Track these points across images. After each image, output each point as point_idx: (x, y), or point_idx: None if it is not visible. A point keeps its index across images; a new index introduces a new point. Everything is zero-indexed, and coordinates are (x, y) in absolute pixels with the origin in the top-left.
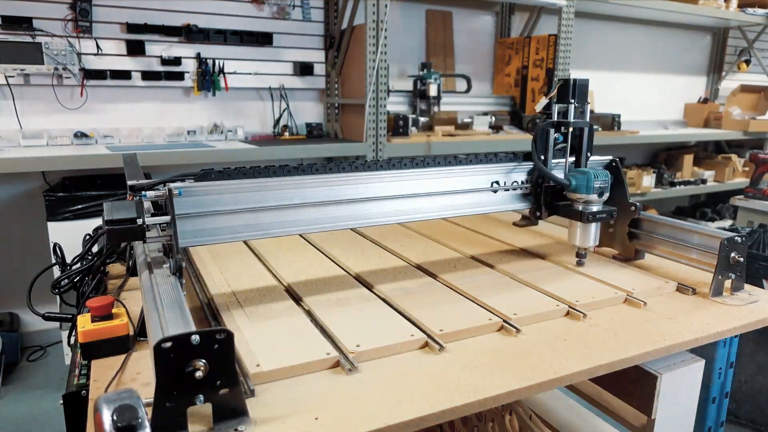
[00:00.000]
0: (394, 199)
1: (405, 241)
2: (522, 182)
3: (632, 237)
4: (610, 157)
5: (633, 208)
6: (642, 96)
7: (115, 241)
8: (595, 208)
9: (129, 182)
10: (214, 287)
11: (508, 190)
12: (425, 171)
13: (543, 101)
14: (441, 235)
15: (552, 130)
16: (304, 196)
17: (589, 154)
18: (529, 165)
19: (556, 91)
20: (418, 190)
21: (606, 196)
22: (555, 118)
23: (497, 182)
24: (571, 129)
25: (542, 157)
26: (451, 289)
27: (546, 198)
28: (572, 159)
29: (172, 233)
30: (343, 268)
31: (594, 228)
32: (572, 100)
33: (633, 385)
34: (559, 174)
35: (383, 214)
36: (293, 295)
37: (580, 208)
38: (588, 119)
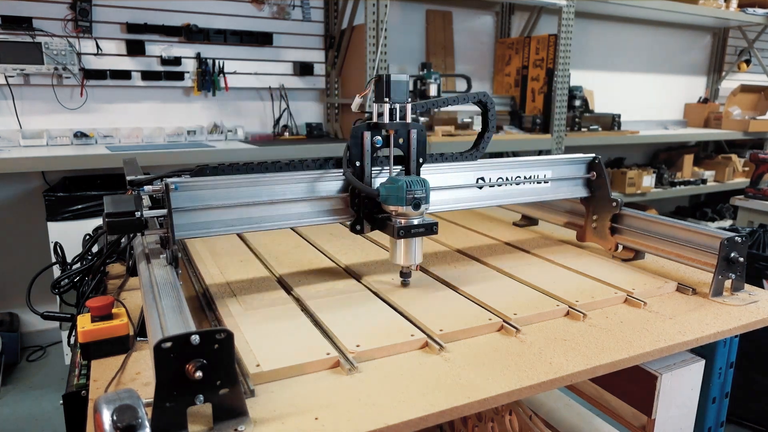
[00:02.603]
0: None
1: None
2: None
3: (614, 232)
4: (593, 155)
5: (614, 203)
6: (642, 96)
7: (115, 233)
8: (415, 221)
9: (128, 177)
10: (209, 278)
11: (492, 186)
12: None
13: (357, 100)
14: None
15: (368, 133)
16: (295, 191)
17: (421, 160)
18: (339, 173)
19: (369, 88)
20: None
21: (425, 207)
22: (375, 118)
23: (482, 178)
24: (393, 132)
25: (358, 164)
26: (449, 287)
27: (365, 210)
28: (399, 167)
29: (169, 226)
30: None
31: (416, 244)
32: (386, 99)
33: (633, 385)
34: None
35: None
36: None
37: (394, 222)
38: (409, 119)
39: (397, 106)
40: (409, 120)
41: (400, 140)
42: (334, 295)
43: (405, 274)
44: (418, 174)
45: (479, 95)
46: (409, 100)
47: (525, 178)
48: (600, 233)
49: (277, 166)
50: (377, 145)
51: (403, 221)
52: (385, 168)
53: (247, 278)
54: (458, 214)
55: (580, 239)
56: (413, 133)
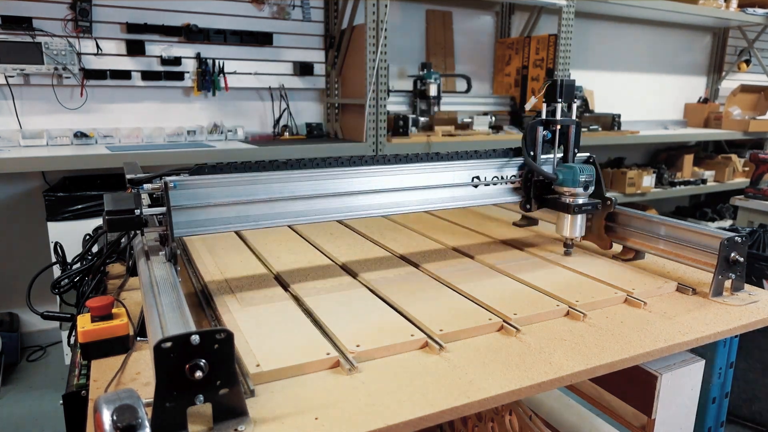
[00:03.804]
0: (378, 193)
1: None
2: (513, 176)
3: (608, 230)
4: (588, 154)
5: (609, 202)
6: (642, 96)
7: (115, 230)
8: (581, 201)
9: (128, 176)
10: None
11: (488, 185)
12: (407, 166)
13: (532, 100)
14: (431, 230)
15: (540, 128)
16: (293, 189)
17: (576, 150)
18: (519, 160)
19: (544, 90)
20: (400, 184)
21: (591, 189)
22: (543, 116)
23: (477, 177)
24: (558, 126)
25: (531, 153)
26: (448, 287)
27: (535, 192)
28: (561, 155)
29: (168, 223)
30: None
31: (580, 219)
32: (559, 100)
33: (633, 385)
34: (548, 169)
35: (367, 207)
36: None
37: (567, 200)
38: (574, 117)
39: (564, 105)
40: (573, 116)
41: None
42: (332, 292)
43: (568, 246)
44: (573, 161)
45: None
46: (576, 101)
47: (520, 176)
48: (595, 231)
49: (274, 165)
50: (546, 138)
51: (574, 200)
52: (549, 156)
53: (246, 275)
54: (457, 213)
55: None
56: (572, 128)
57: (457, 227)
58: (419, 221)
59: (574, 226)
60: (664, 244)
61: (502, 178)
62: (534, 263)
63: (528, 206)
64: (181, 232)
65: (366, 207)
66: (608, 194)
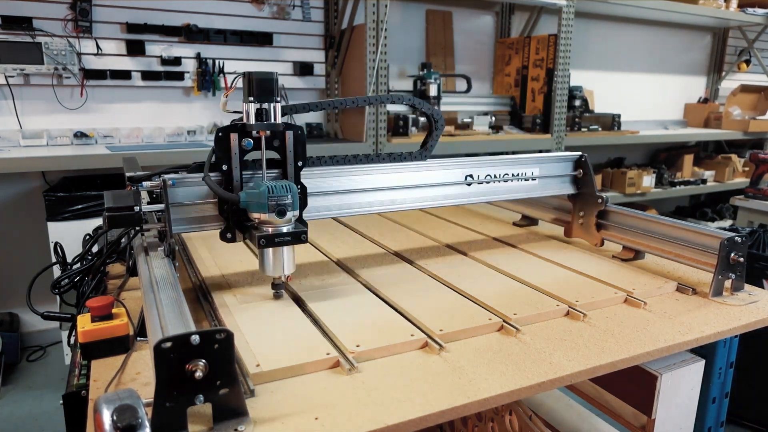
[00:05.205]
0: (374, 192)
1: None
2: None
3: (600, 227)
4: (579, 153)
5: (600, 200)
6: (642, 96)
7: (115, 227)
8: (283, 229)
9: (127, 174)
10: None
11: (481, 183)
12: (401, 165)
13: (222, 100)
14: (429, 229)
15: (235, 135)
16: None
17: (300, 164)
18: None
19: (233, 87)
20: (395, 183)
21: (291, 215)
22: (250, 119)
23: (471, 176)
24: (263, 134)
25: (225, 167)
26: (448, 287)
27: (234, 217)
28: (278, 171)
29: (166, 220)
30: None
31: (284, 253)
32: (251, 99)
33: (633, 385)
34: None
35: (363, 204)
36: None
37: (261, 230)
38: (282, 121)
39: (266, 106)
40: (278, 121)
41: (275, 143)
42: (330, 289)
43: (276, 286)
44: (298, 179)
45: (405, 98)
46: (279, 100)
47: (513, 175)
48: (586, 229)
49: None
50: (247, 148)
51: (269, 229)
52: (258, 173)
53: (244, 271)
54: (456, 213)
55: (567, 235)
56: (288, 135)
57: (457, 226)
58: (417, 221)
59: (275, 262)
60: (664, 244)
61: (495, 176)
62: (533, 262)
63: (229, 235)
64: (179, 229)
65: (361, 205)
66: (603, 193)
